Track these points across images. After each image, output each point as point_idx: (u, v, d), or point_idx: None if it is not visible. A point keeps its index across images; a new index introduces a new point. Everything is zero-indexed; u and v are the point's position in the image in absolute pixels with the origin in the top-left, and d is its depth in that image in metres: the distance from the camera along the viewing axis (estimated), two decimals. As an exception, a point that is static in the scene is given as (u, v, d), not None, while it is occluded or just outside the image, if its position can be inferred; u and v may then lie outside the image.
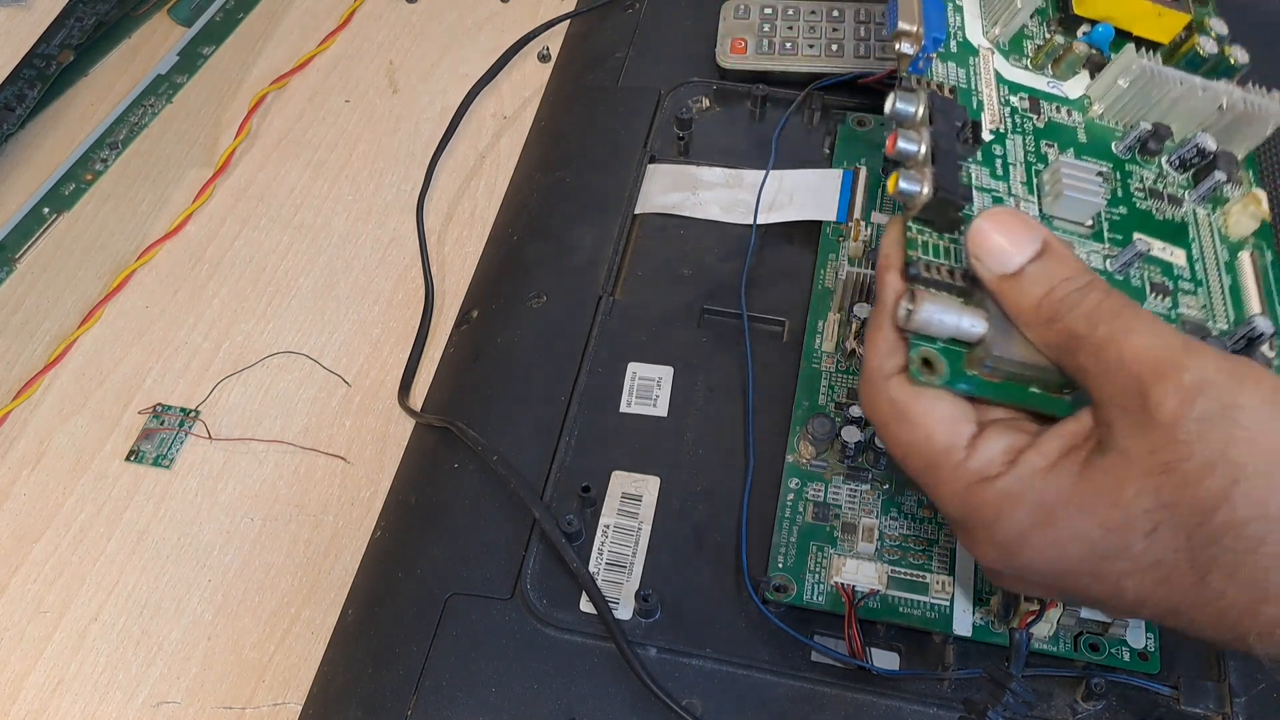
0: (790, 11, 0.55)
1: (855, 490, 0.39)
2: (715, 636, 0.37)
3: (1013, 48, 0.37)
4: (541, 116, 0.57)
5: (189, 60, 0.62)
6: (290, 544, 0.45)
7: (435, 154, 0.56)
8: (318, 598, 0.43)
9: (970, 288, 0.30)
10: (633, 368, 0.44)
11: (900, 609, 0.37)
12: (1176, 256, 0.33)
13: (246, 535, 0.45)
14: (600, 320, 0.45)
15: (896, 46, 0.35)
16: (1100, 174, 0.34)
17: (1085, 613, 0.35)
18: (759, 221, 0.47)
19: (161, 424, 0.48)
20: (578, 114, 0.55)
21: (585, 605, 0.38)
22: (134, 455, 0.47)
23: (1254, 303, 0.33)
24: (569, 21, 0.61)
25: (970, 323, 0.30)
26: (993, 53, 0.37)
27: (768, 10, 0.55)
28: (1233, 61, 0.37)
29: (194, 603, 0.43)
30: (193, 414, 0.48)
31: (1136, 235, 0.33)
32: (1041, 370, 0.29)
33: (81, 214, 0.56)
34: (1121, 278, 0.33)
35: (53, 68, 0.59)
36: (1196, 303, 0.32)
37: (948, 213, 0.31)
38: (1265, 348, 0.31)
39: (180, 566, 0.44)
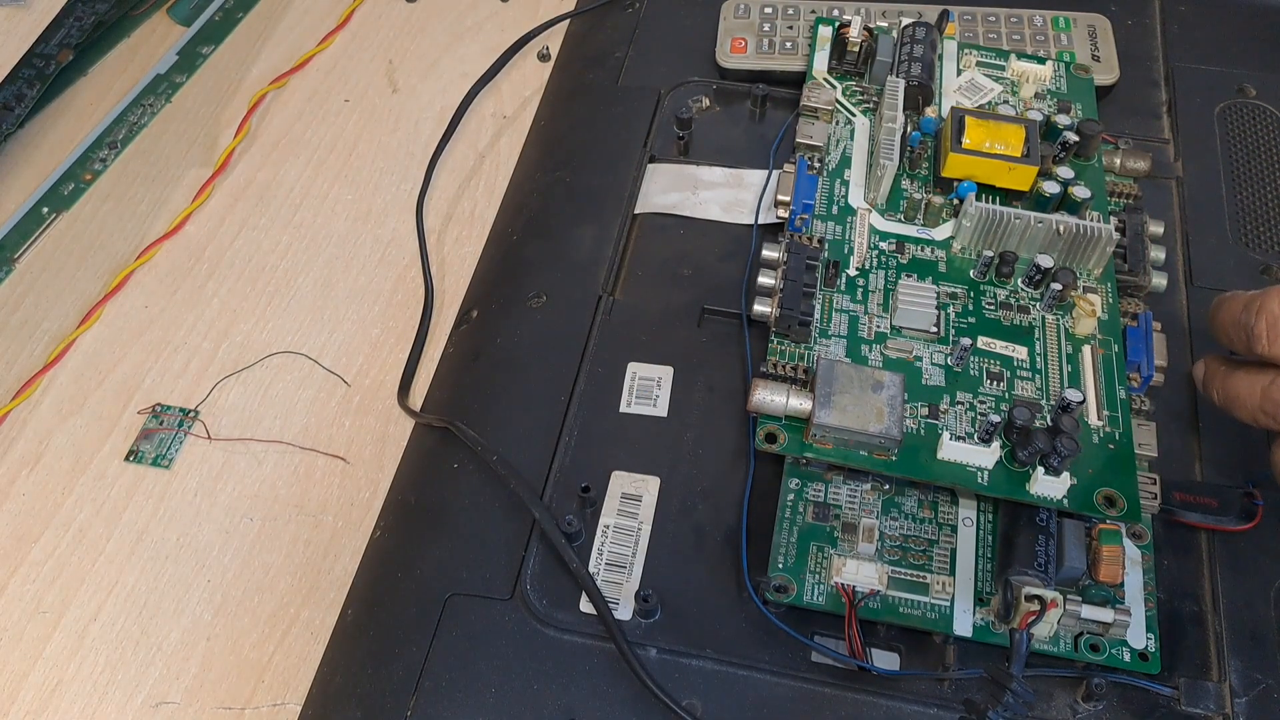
0: (790, 11, 0.55)
1: (855, 490, 0.39)
2: (715, 637, 0.37)
3: (890, 206, 0.46)
4: (541, 116, 0.57)
5: (188, 60, 0.62)
6: (289, 544, 0.45)
7: (435, 154, 0.56)
8: (317, 598, 0.43)
9: (808, 380, 0.39)
10: (633, 368, 0.44)
11: (900, 609, 0.37)
12: (1019, 352, 0.41)
13: (246, 535, 0.45)
14: (600, 320, 0.45)
15: (777, 211, 0.45)
16: (938, 293, 0.42)
17: (1086, 613, 0.35)
18: (759, 221, 0.47)
19: (161, 424, 0.48)
20: (577, 113, 0.55)
21: (585, 605, 0.38)
22: (133, 455, 0.47)
23: (1089, 384, 0.40)
24: (569, 21, 0.61)
25: (798, 402, 0.37)
26: (870, 211, 0.45)
27: (768, 10, 0.55)
28: (1076, 199, 0.44)
29: (193, 603, 0.43)
30: (192, 414, 0.48)
31: (965, 337, 0.40)
32: (855, 434, 0.37)
33: (80, 213, 0.55)
34: (960, 369, 0.40)
35: (52, 67, 0.59)
36: (1032, 386, 0.40)
37: (793, 325, 0.40)
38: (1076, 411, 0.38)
39: (179, 567, 0.44)
